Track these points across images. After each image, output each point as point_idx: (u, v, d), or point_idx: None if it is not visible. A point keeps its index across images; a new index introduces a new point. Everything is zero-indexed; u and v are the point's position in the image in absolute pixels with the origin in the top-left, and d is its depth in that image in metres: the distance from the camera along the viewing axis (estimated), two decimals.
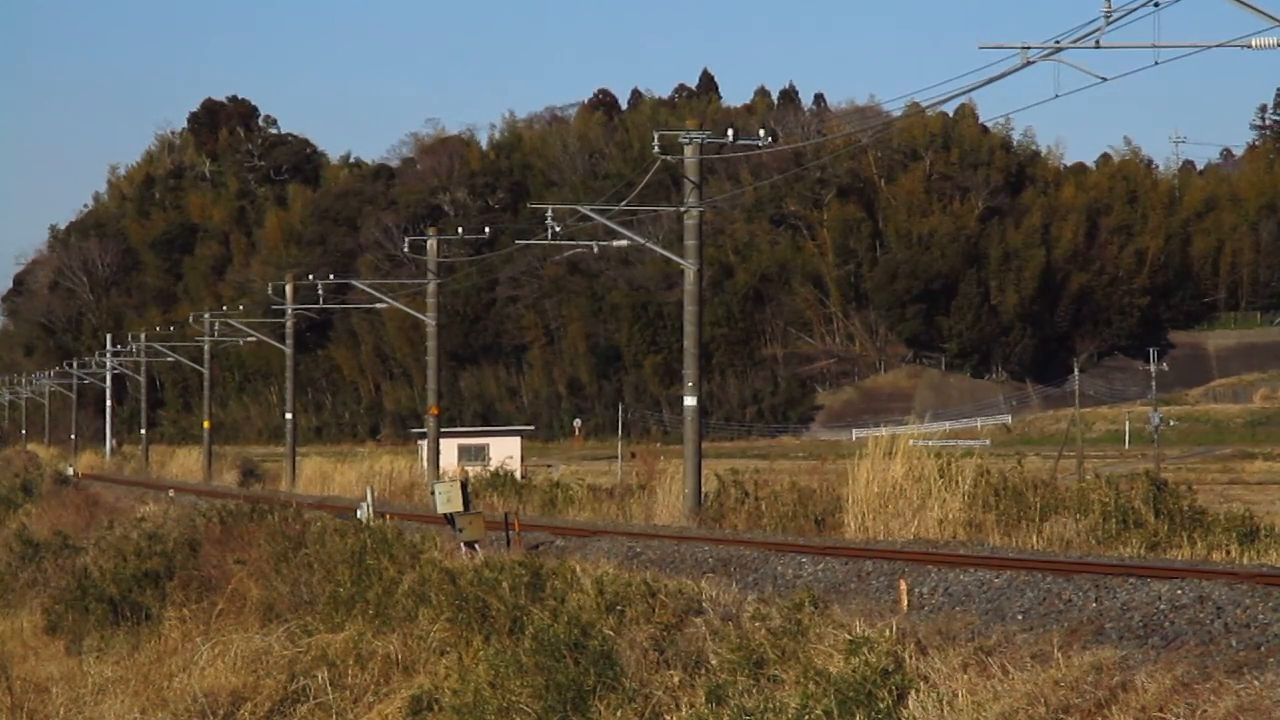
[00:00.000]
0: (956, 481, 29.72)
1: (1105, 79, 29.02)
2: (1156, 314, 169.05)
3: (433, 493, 30.32)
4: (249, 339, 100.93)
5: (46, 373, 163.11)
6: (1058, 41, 28.72)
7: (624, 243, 49.19)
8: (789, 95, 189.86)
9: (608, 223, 47.20)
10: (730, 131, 39.81)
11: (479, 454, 73.55)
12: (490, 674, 20.17)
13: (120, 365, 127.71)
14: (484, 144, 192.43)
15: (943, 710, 14.77)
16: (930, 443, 39.18)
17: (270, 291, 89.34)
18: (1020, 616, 18.22)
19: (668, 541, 28.74)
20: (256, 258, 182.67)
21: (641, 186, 46.77)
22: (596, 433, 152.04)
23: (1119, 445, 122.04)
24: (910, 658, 15.56)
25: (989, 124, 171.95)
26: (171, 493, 64.59)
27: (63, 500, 69.35)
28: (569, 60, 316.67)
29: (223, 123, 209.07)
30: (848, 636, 15.90)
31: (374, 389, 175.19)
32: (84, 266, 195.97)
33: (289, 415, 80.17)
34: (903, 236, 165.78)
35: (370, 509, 37.21)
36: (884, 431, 44.12)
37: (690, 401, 39.71)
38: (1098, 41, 28.02)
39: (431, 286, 64.01)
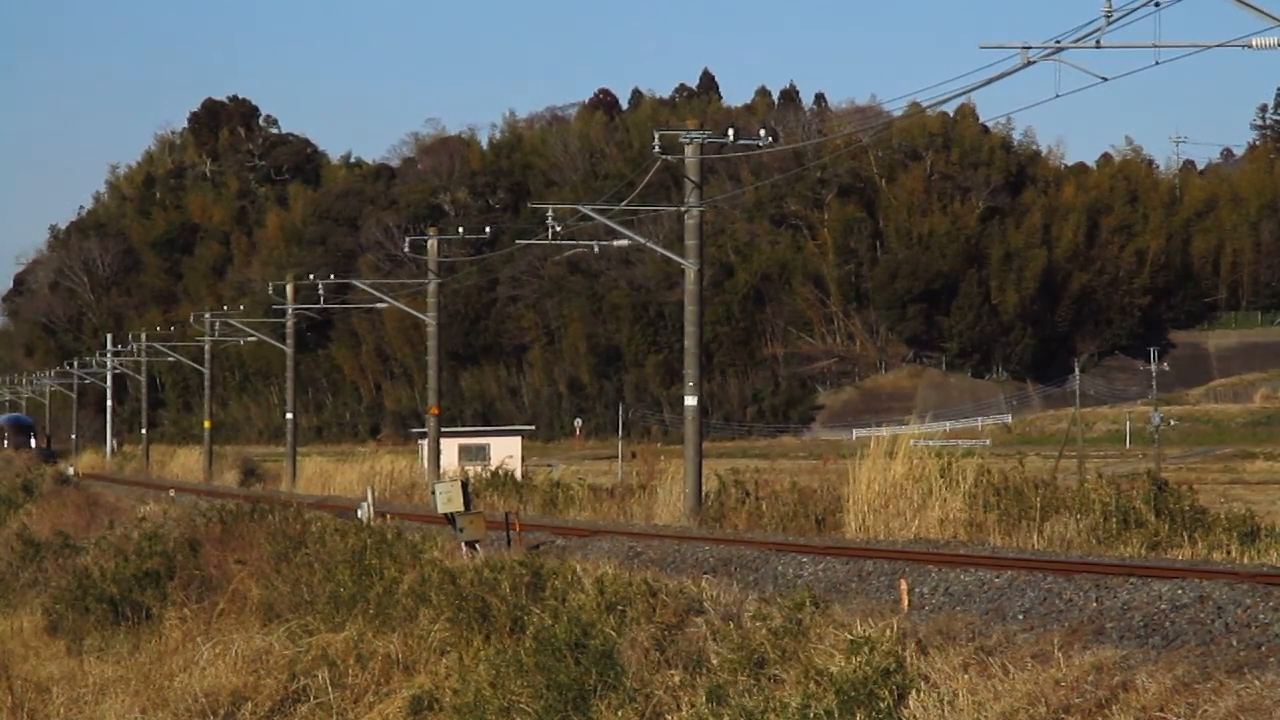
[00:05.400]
0: (957, 481, 29.71)
1: (1106, 79, 29.00)
2: (1157, 314, 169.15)
3: (433, 492, 30.31)
4: (249, 339, 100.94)
5: (47, 373, 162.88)
6: (1058, 41, 28.70)
7: (624, 243, 49.20)
8: (789, 95, 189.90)
9: (608, 222, 47.19)
10: (731, 131, 39.77)
11: (479, 454, 73.50)
12: (491, 674, 20.18)
13: (121, 365, 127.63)
14: (484, 144, 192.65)
15: (943, 710, 14.77)
16: (931, 443, 39.21)
17: (271, 291, 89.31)
18: (1021, 616, 18.22)
19: (668, 541, 28.73)
20: (257, 258, 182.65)
21: (642, 186, 46.76)
22: (597, 432, 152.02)
23: (1120, 445, 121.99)
24: (911, 657, 15.56)
25: (989, 124, 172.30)
26: (172, 492, 64.58)
27: (63, 500, 69.31)
28: (569, 60, 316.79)
29: (223, 123, 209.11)
30: (849, 636, 15.90)
31: (374, 389, 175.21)
32: (84, 266, 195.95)
33: (289, 415, 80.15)
34: (903, 236, 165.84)
35: (371, 509, 37.23)
36: (884, 431, 44.14)
37: (691, 401, 39.68)
38: (1098, 41, 28.00)
39: (432, 286, 64.01)
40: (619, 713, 18.15)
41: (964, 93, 35.72)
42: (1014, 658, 15.05)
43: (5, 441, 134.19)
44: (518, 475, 56.05)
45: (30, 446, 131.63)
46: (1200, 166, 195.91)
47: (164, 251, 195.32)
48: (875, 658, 15.35)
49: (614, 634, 19.08)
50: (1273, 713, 12.56)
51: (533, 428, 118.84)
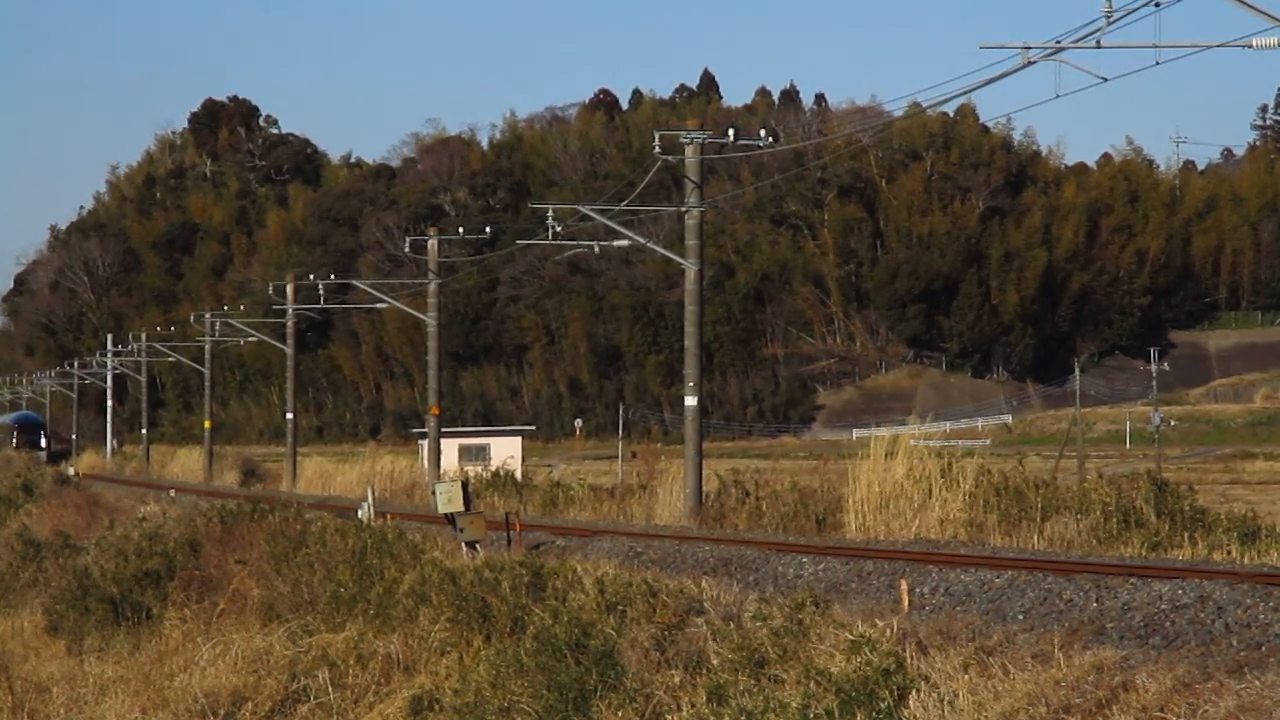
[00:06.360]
0: (957, 481, 29.72)
1: (1106, 79, 29.04)
2: (1157, 314, 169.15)
3: (434, 493, 30.31)
4: (250, 339, 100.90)
5: (47, 373, 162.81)
6: (1059, 41, 28.72)
7: (625, 243, 49.21)
8: (789, 95, 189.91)
9: (608, 222, 47.20)
10: (731, 131, 39.75)
11: (480, 454, 73.51)
12: (491, 674, 20.18)
13: (121, 365, 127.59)
14: (485, 144, 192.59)
15: (944, 710, 14.77)
16: (931, 443, 39.27)
17: (271, 291, 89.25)
18: (1021, 616, 18.22)
19: (669, 541, 28.73)
20: (257, 258, 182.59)
21: (642, 186, 46.75)
22: (597, 433, 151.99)
23: (1120, 445, 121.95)
24: (911, 657, 15.55)
25: (990, 124, 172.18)
26: (172, 493, 64.59)
27: (64, 500, 69.36)
28: (569, 60, 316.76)
29: (223, 123, 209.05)
30: (849, 636, 15.90)
31: (375, 389, 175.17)
32: (85, 266, 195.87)
33: (290, 415, 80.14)
34: (903, 236, 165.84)
35: (371, 509, 37.22)
36: (885, 432, 44.15)
37: (691, 401, 39.68)
38: (1099, 41, 28.02)
39: (432, 286, 64.01)
40: (619, 713, 18.15)
41: (964, 93, 35.76)
42: (1014, 658, 15.05)
43: (14, 441, 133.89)
44: (518, 475, 56.05)
45: (41, 446, 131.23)
46: (1200, 166, 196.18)
47: (164, 251, 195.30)
48: (875, 658, 15.35)
49: (614, 634, 19.08)
50: (1273, 713, 12.56)
51: (533, 428, 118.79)
